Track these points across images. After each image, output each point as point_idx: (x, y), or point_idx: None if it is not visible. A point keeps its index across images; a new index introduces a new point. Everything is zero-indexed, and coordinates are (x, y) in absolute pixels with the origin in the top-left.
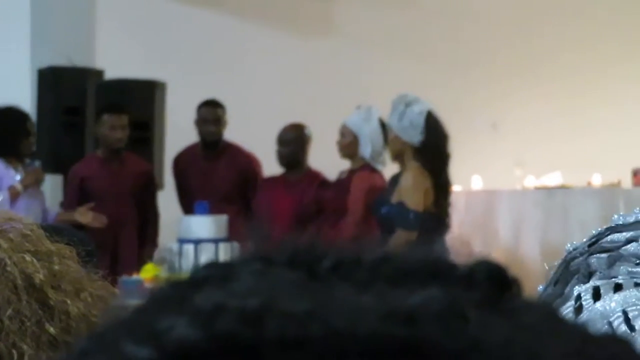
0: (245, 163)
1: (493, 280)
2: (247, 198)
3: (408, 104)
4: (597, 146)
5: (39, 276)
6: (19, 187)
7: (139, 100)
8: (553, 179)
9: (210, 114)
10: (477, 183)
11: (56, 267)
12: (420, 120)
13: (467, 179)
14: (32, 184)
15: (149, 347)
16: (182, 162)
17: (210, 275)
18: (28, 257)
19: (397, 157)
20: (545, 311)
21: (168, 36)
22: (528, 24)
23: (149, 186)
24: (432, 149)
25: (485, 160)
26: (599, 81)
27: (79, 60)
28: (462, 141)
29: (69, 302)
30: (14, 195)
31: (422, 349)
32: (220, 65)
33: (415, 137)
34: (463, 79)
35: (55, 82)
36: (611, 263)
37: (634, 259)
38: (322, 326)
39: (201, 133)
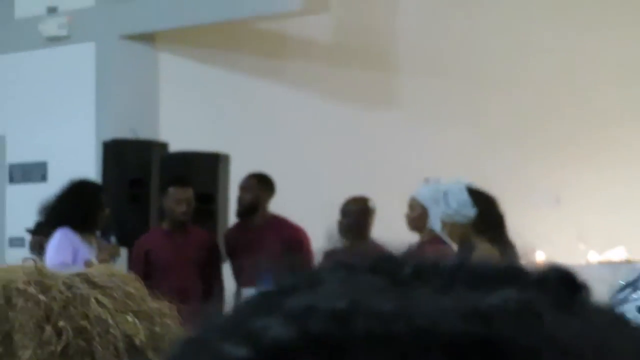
0: (290, 234)
1: (564, 283)
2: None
3: (443, 189)
4: None
5: (140, 337)
6: (95, 262)
7: (203, 172)
8: (617, 254)
9: (244, 182)
10: (540, 258)
11: (157, 328)
12: (464, 195)
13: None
14: (108, 260)
15: (246, 346)
16: (229, 236)
17: (297, 283)
18: (130, 318)
19: (462, 242)
20: (612, 314)
21: (231, 108)
22: (586, 91)
23: (214, 258)
24: (489, 215)
25: (548, 234)
26: None
27: (143, 133)
28: (524, 214)
29: None
30: None
31: (499, 345)
32: (283, 137)
33: (470, 212)
34: (521, 150)
35: (120, 155)
36: None
37: None
38: (406, 324)
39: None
